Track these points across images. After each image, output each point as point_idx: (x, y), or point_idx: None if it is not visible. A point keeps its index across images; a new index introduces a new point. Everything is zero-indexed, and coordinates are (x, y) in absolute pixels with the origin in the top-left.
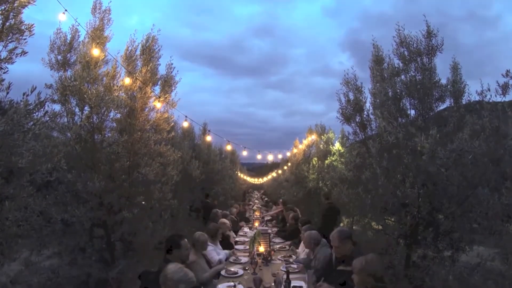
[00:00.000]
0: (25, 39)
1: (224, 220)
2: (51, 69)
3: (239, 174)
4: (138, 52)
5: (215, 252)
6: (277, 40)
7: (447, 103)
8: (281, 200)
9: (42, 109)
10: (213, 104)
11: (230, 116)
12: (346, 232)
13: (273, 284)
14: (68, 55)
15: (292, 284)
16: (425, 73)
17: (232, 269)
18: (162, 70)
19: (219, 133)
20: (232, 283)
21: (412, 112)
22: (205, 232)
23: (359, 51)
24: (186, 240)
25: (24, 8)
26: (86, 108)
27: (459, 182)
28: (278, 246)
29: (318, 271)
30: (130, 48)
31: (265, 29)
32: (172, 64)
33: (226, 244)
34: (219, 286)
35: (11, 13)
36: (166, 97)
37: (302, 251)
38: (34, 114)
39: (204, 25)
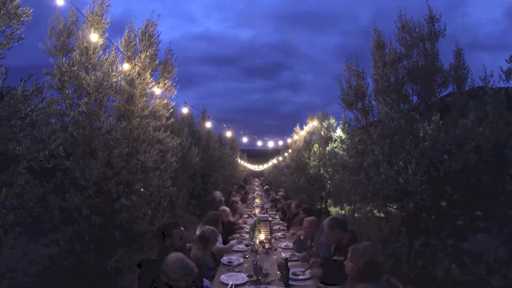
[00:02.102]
0: (22, 23)
1: (224, 207)
2: (49, 55)
3: (239, 160)
4: (137, 38)
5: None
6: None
7: (450, 89)
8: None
9: (39, 95)
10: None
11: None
12: (337, 221)
13: (277, 272)
14: (67, 40)
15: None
16: (427, 58)
17: (233, 257)
18: (161, 56)
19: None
20: (234, 273)
21: (415, 98)
22: (203, 220)
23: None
24: (181, 229)
25: None
26: (84, 94)
27: (462, 169)
28: (279, 234)
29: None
30: (129, 33)
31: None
32: (171, 50)
33: (227, 230)
34: (222, 276)
35: None
36: (165, 83)
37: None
38: (32, 100)
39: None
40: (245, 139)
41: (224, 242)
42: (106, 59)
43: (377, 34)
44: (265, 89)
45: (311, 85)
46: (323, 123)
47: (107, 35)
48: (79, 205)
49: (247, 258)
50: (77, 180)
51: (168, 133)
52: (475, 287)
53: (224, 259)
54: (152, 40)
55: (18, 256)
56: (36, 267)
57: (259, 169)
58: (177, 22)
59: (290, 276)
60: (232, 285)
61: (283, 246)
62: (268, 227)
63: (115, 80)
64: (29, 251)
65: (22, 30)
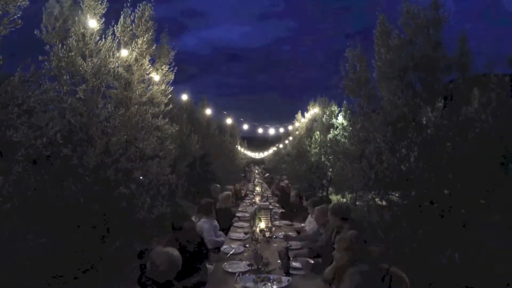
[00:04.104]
0: (19, 8)
1: (225, 193)
2: (46, 41)
3: (239, 148)
4: (134, 23)
5: (212, 231)
6: None
7: (454, 76)
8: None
9: (37, 82)
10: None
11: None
12: (338, 209)
13: (278, 261)
14: (63, 26)
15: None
16: (432, 44)
17: (233, 246)
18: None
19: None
20: (234, 262)
21: (418, 85)
22: (197, 207)
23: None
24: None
25: None
26: (81, 81)
27: (465, 156)
28: (278, 222)
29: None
30: (126, 19)
31: None
32: (167, 31)
33: (225, 218)
34: (225, 263)
35: None
36: (162, 68)
37: (308, 226)
38: (29, 87)
39: None
40: (245, 126)
41: (224, 229)
42: (103, 45)
43: (381, 19)
44: None
45: None
46: (325, 110)
47: (103, 20)
48: (77, 193)
49: (247, 247)
50: (75, 167)
51: (167, 120)
52: (478, 275)
53: (225, 248)
54: (148, 25)
55: (16, 245)
56: (33, 256)
57: (260, 157)
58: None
59: (291, 265)
60: (239, 273)
61: (281, 235)
62: (269, 216)
63: (112, 66)
64: (27, 239)
65: (19, 15)
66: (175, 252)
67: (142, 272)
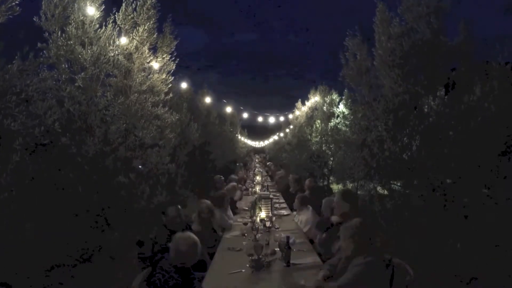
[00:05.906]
0: None
1: (233, 184)
2: (45, 28)
3: (239, 137)
4: (136, 11)
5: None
6: None
7: (456, 64)
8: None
9: (35, 70)
10: None
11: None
12: (348, 194)
13: (277, 249)
14: (64, 13)
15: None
16: (433, 32)
17: (233, 235)
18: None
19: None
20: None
21: (419, 74)
22: (209, 200)
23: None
24: (176, 206)
25: None
26: (80, 69)
27: (467, 145)
28: (279, 211)
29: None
30: (127, 6)
31: None
32: (170, 22)
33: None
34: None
35: None
36: (163, 57)
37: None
38: (28, 76)
39: None
40: (245, 115)
41: None
42: (103, 33)
43: (381, 7)
44: None
45: None
46: (325, 98)
47: (103, 7)
48: (75, 182)
49: (245, 236)
50: (73, 156)
51: (167, 108)
52: (481, 265)
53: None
54: (150, 13)
55: (14, 235)
56: (32, 246)
57: (260, 146)
58: None
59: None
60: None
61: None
62: (269, 205)
63: (112, 54)
64: (25, 229)
65: (17, 2)
66: (195, 236)
67: (153, 263)
